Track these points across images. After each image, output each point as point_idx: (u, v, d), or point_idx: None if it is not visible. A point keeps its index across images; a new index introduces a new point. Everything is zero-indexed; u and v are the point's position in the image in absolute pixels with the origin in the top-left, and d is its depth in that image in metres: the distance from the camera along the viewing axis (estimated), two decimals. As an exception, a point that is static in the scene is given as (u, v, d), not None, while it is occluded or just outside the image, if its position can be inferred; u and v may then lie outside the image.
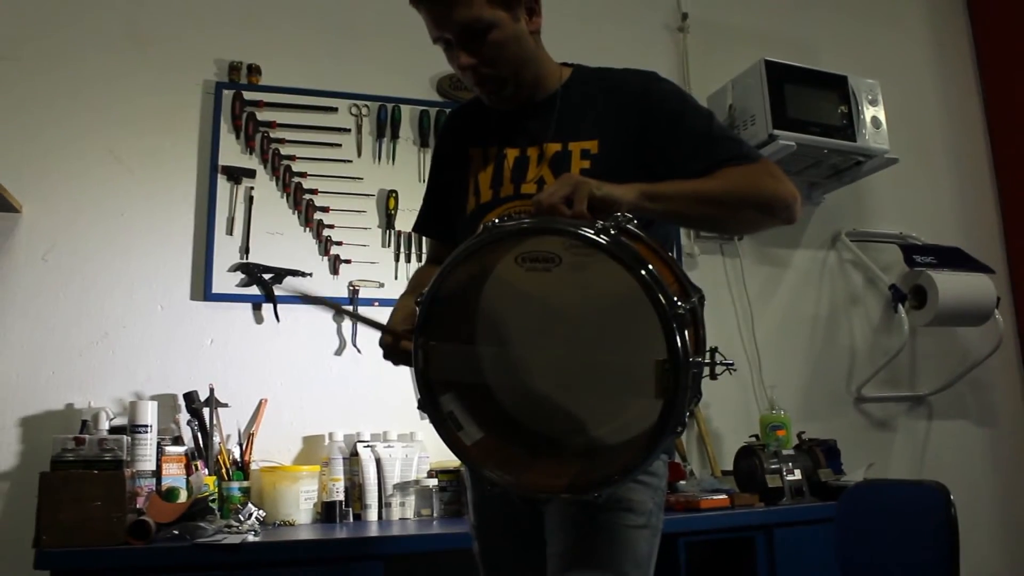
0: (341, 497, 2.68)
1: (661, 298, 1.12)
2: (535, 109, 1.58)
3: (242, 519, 2.38)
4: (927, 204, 3.90)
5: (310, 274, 2.92)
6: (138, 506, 2.34)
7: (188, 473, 2.56)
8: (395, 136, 3.10)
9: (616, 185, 1.30)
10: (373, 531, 2.47)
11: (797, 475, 2.81)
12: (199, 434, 2.65)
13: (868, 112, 3.38)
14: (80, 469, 2.23)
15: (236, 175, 2.91)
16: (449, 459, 2.80)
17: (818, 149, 3.31)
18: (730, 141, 1.50)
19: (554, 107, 1.56)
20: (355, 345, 2.93)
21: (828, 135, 3.30)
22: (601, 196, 1.26)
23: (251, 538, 2.24)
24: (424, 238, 2.10)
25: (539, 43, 1.59)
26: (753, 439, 2.95)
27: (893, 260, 3.67)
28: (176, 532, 2.24)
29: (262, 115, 2.97)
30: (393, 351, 1.52)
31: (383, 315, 2.87)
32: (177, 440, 2.63)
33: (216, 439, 2.67)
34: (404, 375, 2.91)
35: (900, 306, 3.54)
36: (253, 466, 2.71)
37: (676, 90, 1.56)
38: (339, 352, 2.94)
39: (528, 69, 1.55)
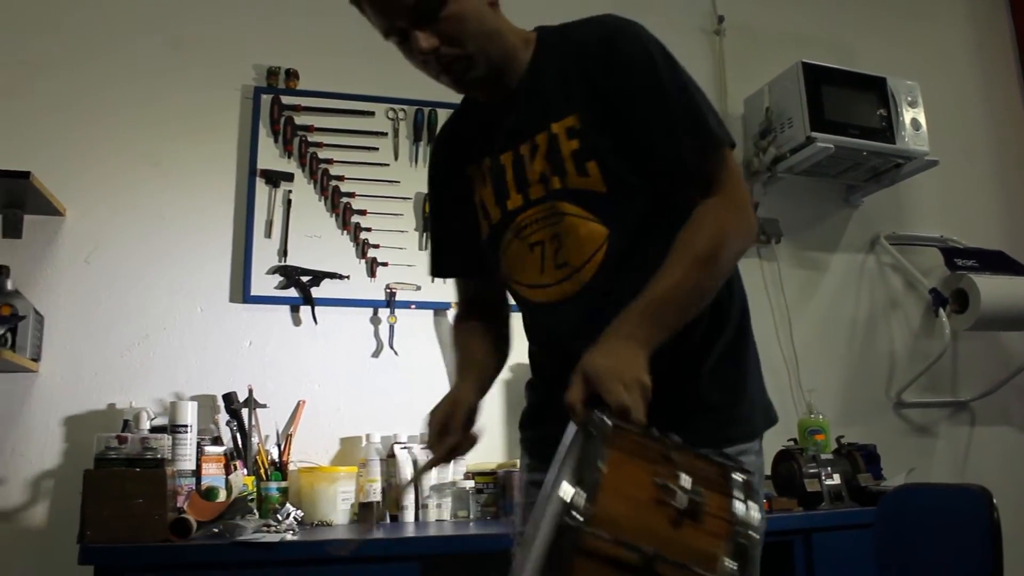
0: (378, 498, 2.70)
1: None
2: (513, 100, 1.46)
3: (280, 519, 2.41)
4: (969, 206, 3.87)
5: (348, 276, 2.96)
6: (178, 505, 2.37)
7: (227, 473, 2.59)
8: (432, 140, 3.12)
9: (621, 354, 1.17)
10: (410, 532, 2.49)
11: (836, 480, 2.80)
12: (238, 435, 2.69)
13: (907, 114, 3.36)
14: (123, 467, 2.28)
15: (274, 179, 2.95)
16: (486, 461, 2.85)
17: (857, 152, 3.29)
18: (704, 130, 1.36)
19: (530, 91, 1.44)
20: (392, 348, 2.96)
21: (867, 137, 3.28)
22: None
23: (289, 537, 2.27)
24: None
25: (498, 13, 1.44)
26: (791, 443, 2.94)
27: (933, 264, 3.65)
28: (216, 530, 2.28)
29: (300, 119, 3.02)
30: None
31: (421, 319, 3.00)
32: (216, 440, 2.67)
33: (255, 440, 2.70)
34: (441, 378, 2.96)
35: (941, 310, 3.51)
36: (291, 467, 2.74)
37: (641, 51, 1.39)
38: (376, 354, 2.98)
39: (493, 43, 1.40)
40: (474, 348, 1.58)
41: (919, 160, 3.39)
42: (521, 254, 1.45)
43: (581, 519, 0.84)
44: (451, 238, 1.63)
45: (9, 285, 2.58)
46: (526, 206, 1.43)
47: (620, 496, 0.90)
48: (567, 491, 0.86)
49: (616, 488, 0.88)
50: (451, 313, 3.01)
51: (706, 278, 1.27)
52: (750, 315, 1.46)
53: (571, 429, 1.15)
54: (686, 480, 0.96)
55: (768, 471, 2.95)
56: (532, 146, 1.42)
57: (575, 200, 1.38)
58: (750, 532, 0.93)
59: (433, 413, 1.44)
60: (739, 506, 0.96)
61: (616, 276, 1.37)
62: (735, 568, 0.89)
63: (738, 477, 1.00)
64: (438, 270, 1.68)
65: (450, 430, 1.40)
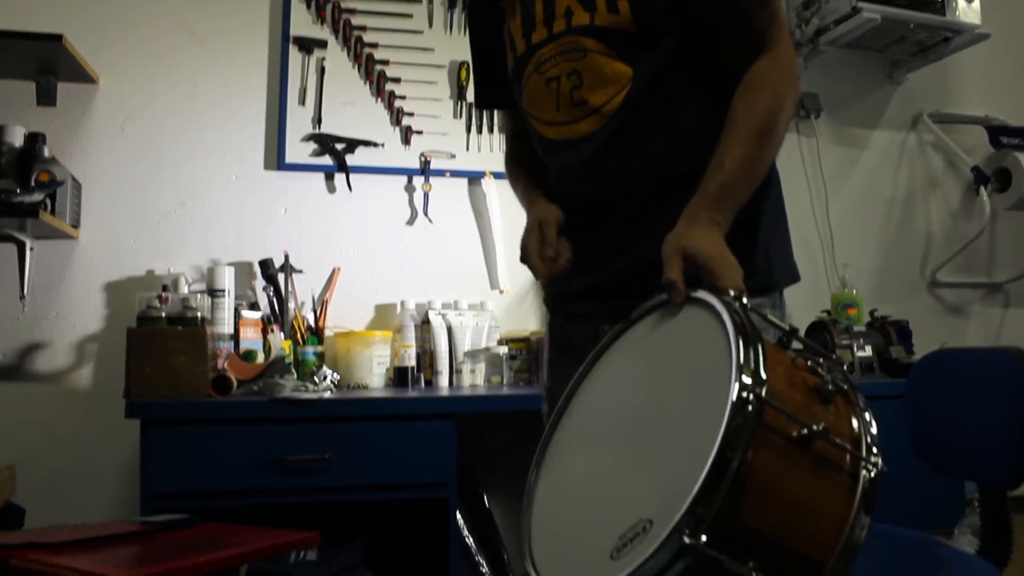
0: (413, 363, 2.75)
1: None
2: None
3: (317, 380, 2.46)
4: (1017, 85, 3.75)
5: (382, 144, 2.95)
6: (218, 367, 2.44)
7: (264, 337, 2.65)
8: (466, 7, 3.06)
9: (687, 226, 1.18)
10: (445, 394, 2.55)
11: (868, 351, 2.81)
12: (274, 300, 2.74)
13: (960, -16, 3.25)
14: (165, 325, 2.33)
15: (308, 45, 2.92)
16: (520, 328, 2.88)
17: (904, 24, 3.18)
18: None
19: None
20: (427, 215, 2.98)
21: (916, 8, 3.16)
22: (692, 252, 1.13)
23: (327, 395, 2.33)
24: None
25: None
26: (824, 315, 2.95)
27: (976, 144, 3.58)
28: (256, 388, 2.35)
29: (333, -16, 2.98)
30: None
31: (455, 187, 3.02)
32: (253, 306, 2.72)
33: (291, 305, 2.75)
34: (475, 246, 2.97)
35: (982, 188, 3.46)
36: (327, 332, 2.79)
37: None
38: (411, 222, 2.99)
39: None
40: (534, 178, 1.57)
41: (969, 34, 3.28)
42: (539, 88, 1.43)
43: (764, 393, 0.85)
44: (490, 69, 1.62)
45: (46, 152, 2.60)
46: (548, 39, 1.40)
47: (777, 376, 0.91)
48: (746, 365, 0.87)
49: (774, 369, 0.89)
50: (486, 182, 3.03)
51: (769, 149, 1.27)
52: (777, 170, 1.43)
53: (656, 305, 1.16)
54: (822, 364, 0.99)
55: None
56: None
57: (601, 38, 1.34)
58: (872, 423, 0.96)
59: (527, 238, 1.43)
60: (862, 397, 0.99)
61: (633, 120, 1.35)
62: (877, 452, 0.92)
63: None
64: (481, 101, 1.71)
65: (550, 244, 1.39)
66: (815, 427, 0.87)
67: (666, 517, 0.80)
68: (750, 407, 0.83)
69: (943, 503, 2.58)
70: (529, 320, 2.99)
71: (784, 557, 0.84)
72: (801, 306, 3.18)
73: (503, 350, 2.80)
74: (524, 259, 1.44)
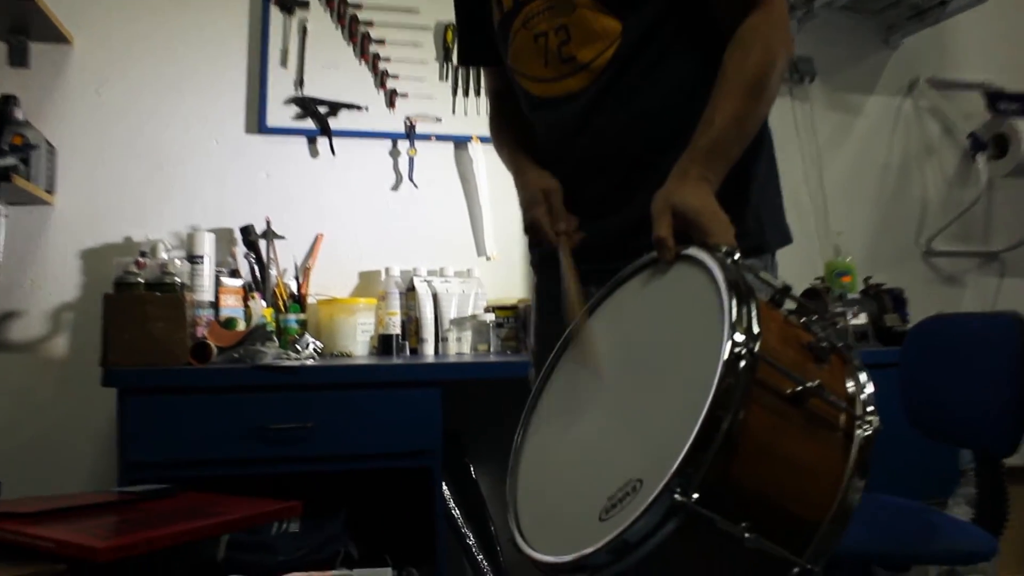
0: (398, 331, 2.72)
1: None
2: None
3: (300, 348, 2.42)
4: (1016, 50, 3.69)
5: (366, 107, 2.90)
6: (198, 335, 2.40)
7: (245, 305, 2.62)
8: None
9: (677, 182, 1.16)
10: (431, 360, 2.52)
11: (863, 319, 2.78)
12: (256, 267, 2.70)
13: (958, -56, 3.20)
14: (143, 290, 2.29)
15: (289, 6, 2.86)
16: (507, 296, 2.84)
17: (900, -16, 3.15)
18: None
19: None
20: (412, 181, 2.93)
21: (912, -31, 3.13)
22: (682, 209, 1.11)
23: (310, 363, 2.29)
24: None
25: None
26: (818, 282, 2.92)
27: (974, 110, 3.53)
28: (236, 355, 2.30)
29: (314, -58, 2.91)
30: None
31: (441, 151, 2.96)
32: (234, 273, 2.69)
33: (273, 272, 2.71)
34: (461, 212, 2.96)
35: (979, 155, 3.42)
36: (309, 299, 2.76)
37: None
38: (396, 187, 2.95)
39: None
40: (519, 138, 1.53)
41: (967, -5, 3.24)
42: (526, 45, 1.39)
43: (757, 349, 0.83)
44: (475, 25, 1.58)
45: (19, 115, 2.54)
46: None
47: (771, 333, 0.88)
48: (739, 322, 0.84)
49: (767, 326, 0.87)
50: (472, 146, 2.98)
51: (760, 105, 1.24)
52: (769, 131, 1.40)
53: (645, 264, 1.13)
54: (816, 322, 0.97)
55: (793, 310, 2.94)
56: None
57: None
58: (868, 382, 0.94)
59: (534, 212, 1.38)
60: (857, 356, 0.97)
61: (623, 76, 1.32)
62: (872, 410, 0.89)
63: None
64: (465, 58, 1.67)
65: (559, 215, 1.36)
66: (809, 384, 0.84)
67: (656, 476, 0.78)
68: (743, 363, 0.81)
69: (937, 473, 2.57)
70: (516, 287, 2.95)
71: (777, 517, 0.82)
72: (794, 273, 3.10)
73: (490, 318, 2.77)
74: (533, 234, 1.40)
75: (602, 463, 0.96)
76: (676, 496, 0.76)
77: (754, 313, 0.85)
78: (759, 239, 1.35)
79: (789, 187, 1.44)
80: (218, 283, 2.60)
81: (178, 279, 2.36)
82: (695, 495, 0.76)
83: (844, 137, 3.46)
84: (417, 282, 2.76)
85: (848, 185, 3.42)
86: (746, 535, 0.78)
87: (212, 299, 2.58)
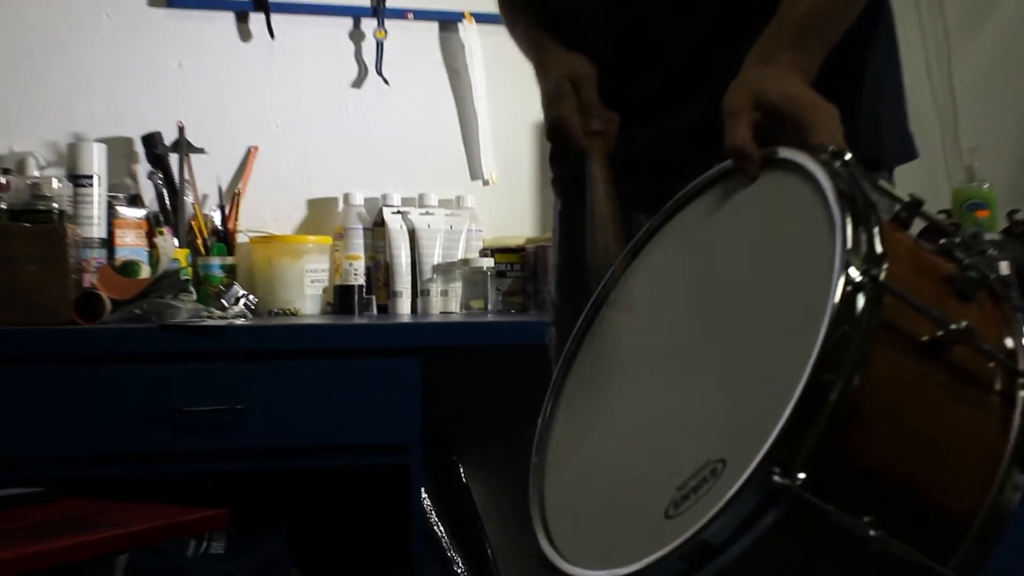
0: (361, 282, 2.73)
1: None
2: None
3: (226, 303, 2.43)
4: None
5: (320, -25, 2.91)
6: (85, 285, 2.39)
7: (150, 243, 2.62)
8: None
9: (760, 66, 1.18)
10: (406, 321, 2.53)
11: (1004, 268, 2.77)
12: (165, 192, 2.70)
13: None
14: (6, 221, 2.28)
15: None
16: (511, 234, 2.84)
17: None
18: None
19: None
20: (380, 74, 2.93)
21: None
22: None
23: (239, 323, 2.30)
24: None
25: None
26: (943, 216, 2.91)
27: None
28: (138, 311, 2.30)
29: None
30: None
31: (421, 34, 2.98)
32: (135, 200, 2.69)
33: (188, 199, 2.72)
34: (449, 118, 2.96)
35: None
36: (240, 237, 2.77)
37: None
38: (358, 83, 2.96)
39: None
40: (542, 14, 1.53)
41: None
42: None
43: (883, 277, 0.82)
44: None
45: None
46: None
47: (899, 259, 0.87)
48: (856, 247, 0.83)
49: (893, 250, 0.86)
50: (464, 27, 2.98)
51: None
52: (890, 5, 1.42)
53: (714, 178, 1.13)
54: (958, 246, 0.96)
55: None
56: None
57: None
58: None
59: (560, 107, 1.37)
60: (1015, 292, 0.96)
61: None
62: None
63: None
64: None
65: (593, 111, 1.35)
66: (954, 326, 0.83)
67: (746, 455, 0.77)
68: (863, 298, 0.80)
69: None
70: (524, 223, 2.98)
71: (912, 510, 0.81)
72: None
73: (487, 264, 2.77)
74: (558, 139, 1.40)
75: (665, 444, 0.96)
76: (776, 477, 0.75)
77: (877, 233, 0.84)
78: (874, 149, 1.35)
79: (907, 88, 1.45)
80: (112, 213, 2.60)
81: (56, 206, 2.35)
82: (801, 475, 0.75)
83: (984, 20, 3.45)
84: (388, 214, 2.77)
85: (987, 85, 3.42)
86: (871, 532, 0.76)
87: (104, 235, 2.59)
